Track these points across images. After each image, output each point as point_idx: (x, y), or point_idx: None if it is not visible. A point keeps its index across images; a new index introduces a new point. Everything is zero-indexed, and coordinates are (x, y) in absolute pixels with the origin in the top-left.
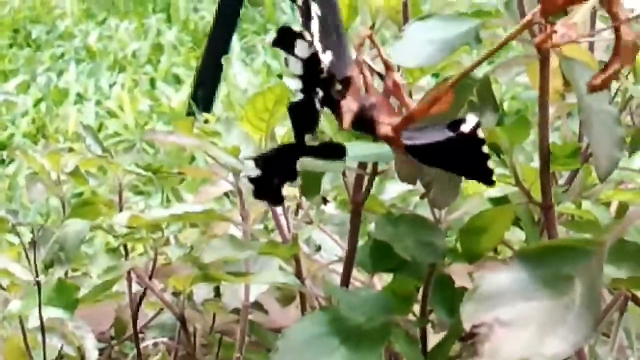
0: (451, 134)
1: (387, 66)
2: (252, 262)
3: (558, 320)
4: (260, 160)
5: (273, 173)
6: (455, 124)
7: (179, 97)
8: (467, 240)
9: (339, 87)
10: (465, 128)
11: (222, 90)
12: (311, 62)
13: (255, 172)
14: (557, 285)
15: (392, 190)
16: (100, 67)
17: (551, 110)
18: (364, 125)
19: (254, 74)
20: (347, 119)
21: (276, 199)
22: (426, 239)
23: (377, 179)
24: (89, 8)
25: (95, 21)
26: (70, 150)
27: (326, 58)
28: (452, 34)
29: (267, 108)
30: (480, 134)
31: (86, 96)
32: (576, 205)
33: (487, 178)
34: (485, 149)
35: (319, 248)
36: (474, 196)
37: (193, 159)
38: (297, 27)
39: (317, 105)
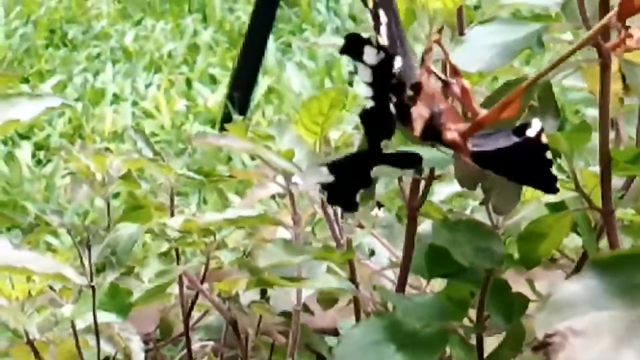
0: (517, 139)
1: (456, 72)
2: (301, 266)
3: (632, 331)
4: (334, 167)
5: (347, 179)
6: (520, 130)
7: (215, 97)
8: (525, 246)
9: (409, 93)
10: (531, 133)
11: (258, 91)
12: (381, 69)
13: (328, 178)
14: (632, 296)
15: (441, 192)
16: (137, 68)
17: None
18: (431, 131)
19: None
20: (419, 126)
21: (350, 205)
22: (484, 245)
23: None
24: (124, 8)
25: (131, 21)
26: (107, 150)
27: (397, 64)
28: (513, 38)
29: (322, 112)
30: (544, 139)
31: (122, 96)
32: (636, 211)
33: (550, 186)
34: (549, 155)
35: (372, 253)
36: (531, 201)
37: (229, 159)
38: (365, 34)
39: (393, 111)
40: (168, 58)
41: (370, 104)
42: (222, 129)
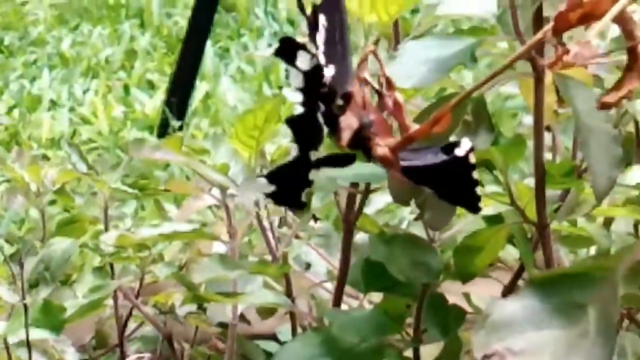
0: (446, 157)
1: (390, 85)
2: (238, 279)
3: (572, 349)
4: (273, 177)
5: (287, 186)
6: (449, 147)
7: (153, 103)
8: (461, 259)
9: (339, 102)
10: (460, 152)
11: (196, 97)
12: (313, 75)
13: (269, 188)
14: (570, 314)
15: (377, 202)
16: (74, 73)
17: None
18: (360, 143)
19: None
20: (346, 136)
21: (298, 205)
22: (420, 259)
23: None
24: (61, 14)
25: (68, 27)
26: (44, 157)
27: (329, 72)
28: (447, 53)
29: (257, 125)
30: (472, 159)
31: (60, 103)
32: (570, 223)
33: (474, 205)
34: (476, 175)
35: (308, 266)
36: (467, 214)
37: (167, 165)
38: (299, 38)
39: (320, 119)
40: (105, 64)
41: (299, 110)
42: (160, 135)
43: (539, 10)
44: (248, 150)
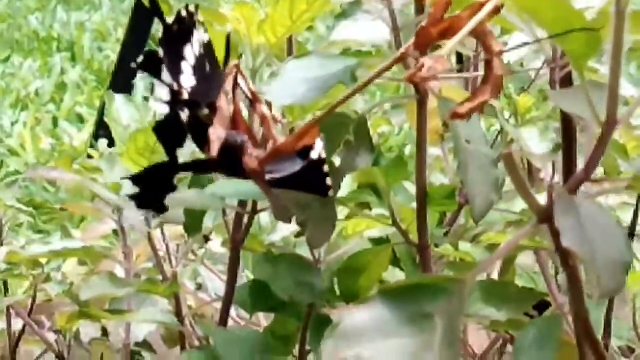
0: (303, 163)
1: (255, 98)
2: (139, 301)
3: (418, 357)
4: (138, 179)
5: (152, 188)
6: (304, 153)
7: (82, 136)
8: (344, 280)
9: (205, 111)
10: (315, 155)
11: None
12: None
13: (134, 190)
14: (418, 324)
15: (285, 229)
16: (3, 105)
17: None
18: (229, 155)
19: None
20: (216, 146)
21: (159, 208)
22: (304, 279)
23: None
24: None
25: None
26: None
27: (188, 82)
28: (327, 72)
29: (149, 145)
30: (323, 154)
31: None
32: (453, 246)
33: (325, 192)
34: (326, 168)
35: (199, 287)
36: (354, 236)
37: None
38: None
39: (184, 120)
40: (35, 96)
41: (163, 116)
42: None
43: None
44: (140, 169)
